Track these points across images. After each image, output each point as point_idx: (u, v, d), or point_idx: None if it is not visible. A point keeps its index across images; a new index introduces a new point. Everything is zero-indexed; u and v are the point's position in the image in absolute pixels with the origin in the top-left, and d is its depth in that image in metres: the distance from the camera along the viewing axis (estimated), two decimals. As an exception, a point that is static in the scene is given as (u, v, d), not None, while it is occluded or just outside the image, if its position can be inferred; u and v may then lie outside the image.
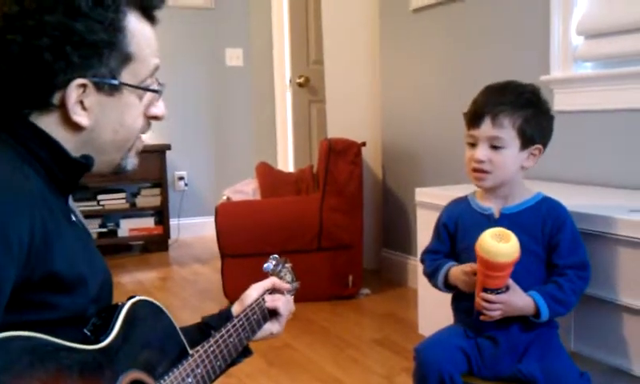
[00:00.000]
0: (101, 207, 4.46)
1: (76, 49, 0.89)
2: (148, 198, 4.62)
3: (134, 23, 0.96)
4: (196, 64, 5.01)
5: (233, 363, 1.24)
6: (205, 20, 5.04)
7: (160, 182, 4.62)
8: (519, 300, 1.47)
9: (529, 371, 1.47)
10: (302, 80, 4.56)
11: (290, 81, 4.73)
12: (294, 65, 4.60)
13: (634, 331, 1.63)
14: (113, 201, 4.50)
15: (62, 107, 0.92)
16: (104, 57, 0.92)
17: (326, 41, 3.81)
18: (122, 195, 4.55)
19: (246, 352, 1.29)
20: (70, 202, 1.02)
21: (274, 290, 1.36)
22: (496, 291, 1.44)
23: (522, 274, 1.48)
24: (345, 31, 3.78)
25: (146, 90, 1.00)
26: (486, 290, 1.45)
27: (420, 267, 1.76)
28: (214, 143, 5.20)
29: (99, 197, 4.45)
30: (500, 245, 1.38)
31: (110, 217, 4.58)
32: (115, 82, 0.94)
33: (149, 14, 0.99)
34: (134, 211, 4.60)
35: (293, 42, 4.58)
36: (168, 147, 4.58)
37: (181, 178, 5.07)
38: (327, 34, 3.80)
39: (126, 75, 0.96)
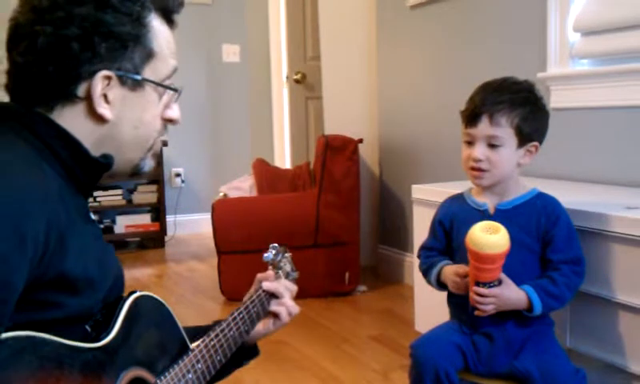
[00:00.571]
0: (97, 204, 4.46)
1: (104, 40, 0.91)
2: (144, 194, 4.62)
3: (157, 22, 0.98)
4: (192, 60, 5.00)
5: (239, 364, 1.23)
6: (201, 16, 5.03)
7: (156, 179, 4.62)
8: (512, 294, 1.47)
9: (524, 368, 1.47)
10: (298, 76, 4.55)
11: (287, 77, 4.72)
12: (291, 61, 4.58)
13: (630, 328, 1.63)
14: (109, 197, 4.50)
15: (87, 99, 0.93)
16: (129, 50, 0.94)
17: (323, 37, 3.80)
18: (119, 192, 4.55)
19: (253, 353, 1.29)
20: None
21: (274, 295, 1.32)
22: (488, 285, 1.44)
23: (517, 269, 1.48)
24: (342, 27, 3.78)
25: (167, 88, 1.02)
26: (478, 283, 1.45)
27: (416, 264, 1.76)
28: (210, 140, 5.19)
29: (95, 193, 4.43)
30: (489, 236, 1.39)
31: (106, 213, 4.58)
32: (138, 77, 0.97)
33: (169, 18, 1.02)
34: (130, 208, 4.59)
35: (290, 38, 4.57)
36: (165, 144, 4.57)
37: (177, 175, 5.07)
38: (324, 31, 3.79)
39: (148, 71, 0.98)
